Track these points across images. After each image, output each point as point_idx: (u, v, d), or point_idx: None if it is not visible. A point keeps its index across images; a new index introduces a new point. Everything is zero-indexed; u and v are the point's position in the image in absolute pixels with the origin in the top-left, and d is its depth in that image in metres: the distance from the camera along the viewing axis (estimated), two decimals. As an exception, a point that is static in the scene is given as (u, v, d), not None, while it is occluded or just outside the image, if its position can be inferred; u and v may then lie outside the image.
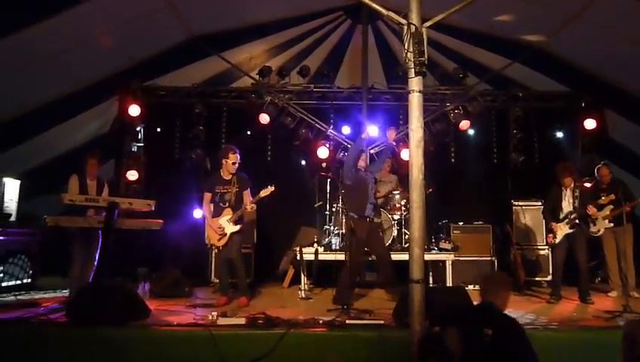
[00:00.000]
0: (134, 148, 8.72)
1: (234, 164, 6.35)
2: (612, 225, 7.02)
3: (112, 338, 4.60)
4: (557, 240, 6.77)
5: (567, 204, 6.80)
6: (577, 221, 6.67)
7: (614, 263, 7.04)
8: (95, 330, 4.64)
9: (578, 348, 4.66)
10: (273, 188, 6.32)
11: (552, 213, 6.92)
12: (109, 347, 4.55)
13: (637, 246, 7.02)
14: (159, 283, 6.87)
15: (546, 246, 7.91)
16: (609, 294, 7.09)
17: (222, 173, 6.46)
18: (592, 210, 6.66)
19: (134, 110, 8.44)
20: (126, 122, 8.63)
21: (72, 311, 4.95)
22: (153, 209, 6.23)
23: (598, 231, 7.13)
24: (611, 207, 6.96)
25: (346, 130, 8.96)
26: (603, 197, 6.88)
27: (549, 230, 6.93)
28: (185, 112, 8.85)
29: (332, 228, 7.68)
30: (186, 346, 4.60)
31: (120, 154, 8.71)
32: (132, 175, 8.42)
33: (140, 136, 8.77)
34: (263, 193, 6.30)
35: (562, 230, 6.74)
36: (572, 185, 6.82)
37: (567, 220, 6.73)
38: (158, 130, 9.02)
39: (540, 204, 8.12)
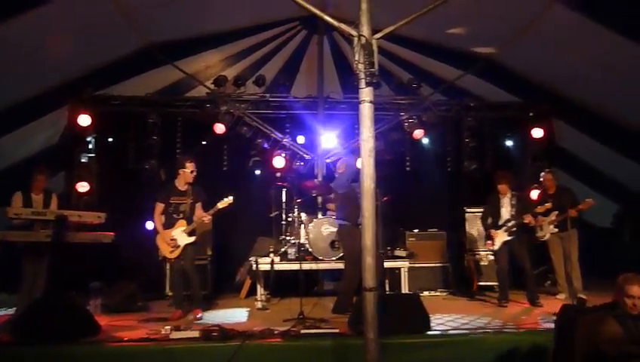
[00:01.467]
0: (85, 159, 8.46)
1: (192, 172, 6.27)
2: (557, 230, 7.27)
3: (60, 356, 4.46)
4: (496, 247, 6.99)
5: (505, 211, 7.06)
6: (515, 228, 6.89)
7: (561, 267, 7.30)
8: (42, 348, 4.47)
9: (528, 349, 4.78)
10: (231, 200, 6.25)
11: (491, 220, 7.16)
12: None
13: (582, 250, 7.27)
14: (112, 297, 6.71)
15: (494, 252, 8.12)
16: (557, 296, 7.34)
17: (177, 184, 6.36)
18: (528, 218, 6.85)
19: (85, 120, 8.20)
20: (76, 132, 8.38)
21: (18, 328, 4.76)
22: (104, 221, 6.09)
23: (545, 236, 7.41)
24: (557, 212, 7.22)
25: (302, 139, 8.98)
26: (539, 207, 7.11)
27: (488, 237, 7.13)
28: (139, 122, 8.68)
29: (288, 237, 7.66)
30: (137, 362, 4.50)
31: (70, 166, 8.45)
32: (83, 186, 8.16)
33: (91, 147, 8.53)
34: (221, 204, 6.21)
35: (501, 237, 6.97)
36: (509, 193, 7.06)
37: (505, 227, 6.96)
38: (110, 140, 8.82)
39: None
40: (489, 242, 7.09)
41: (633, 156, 8.37)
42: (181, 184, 6.34)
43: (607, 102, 7.72)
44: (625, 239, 9.96)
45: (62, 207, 6.53)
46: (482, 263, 8.29)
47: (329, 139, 8.43)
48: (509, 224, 6.93)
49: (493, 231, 7.03)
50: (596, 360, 2.41)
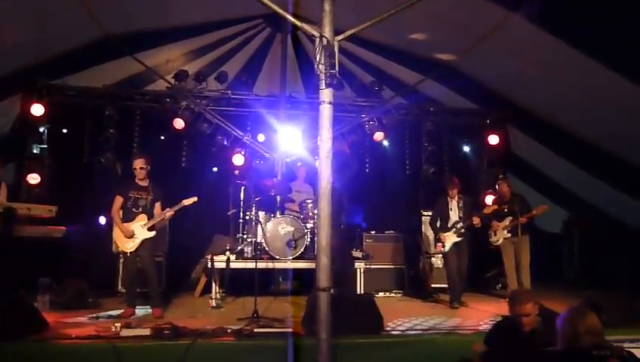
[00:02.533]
0: (37, 150, 8.18)
1: (140, 169, 6.16)
2: (510, 235, 7.48)
3: (6, 353, 4.29)
4: (446, 249, 7.18)
5: (453, 214, 7.28)
6: (464, 230, 7.13)
7: (512, 271, 7.49)
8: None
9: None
10: (196, 199, 6.24)
11: (440, 223, 7.35)
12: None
13: (532, 255, 7.50)
14: (61, 294, 6.49)
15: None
16: (507, 299, 7.51)
17: (136, 179, 6.24)
18: (476, 219, 7.08)
19: (38, 109, 7.93)
20: (29, 122, 8.10)
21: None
22: (55, 215, 5.91)
23: (498, 240, 7.61)
24: (510, 218, 7.43)
25: (262, 138, 8.95)
26: (486, 208, 7.34)
27: (438, 239, 7.31)
28: (95, 114, 8.45)
29: (245, 236, 7.62)
30: (86, 360, 4.38)
31: (21, 157, 8.15)
32: (33, 178, 7.86)
33: (43, 138, 8.25)
34: (186, 202, 6.20)
35: (450, 239, 7.18)
36: (457, 196, 7.30)
37: (454, 229, 7.17)
38: (64, 131, 8.56)
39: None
40: (439, 244, 7.26)
41: (584, 165, 8.69)
42: (139, 180, 6.21)
43: (560, 112, 7.98)
44: (573, 245, 10.33)
45: (11, 199, 6.29)
46: (437, 265, 8.43)
47: (290, 139, 8.40)
48: (458, 226, 7.16)
49: (442, 234, 7.20)
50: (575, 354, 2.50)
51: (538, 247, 7.70)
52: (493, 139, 9.16)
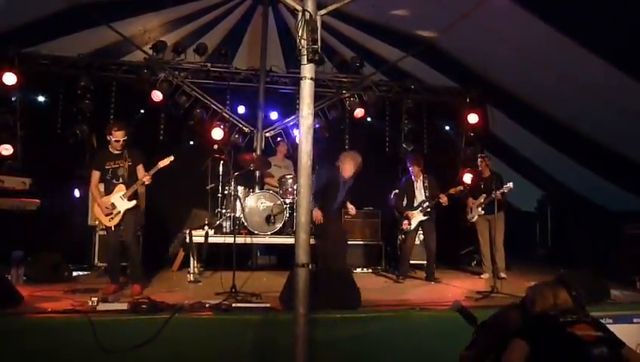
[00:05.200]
0: (8, 121, 7.95)
1: (117, 141, 5.88)
2: (484, 213, 7.59)
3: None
4: (412, 227, 7.33)
5: (419, 193, 7.38)
6: (430, 209, 7.23)
7: (486, 248, 7.64)
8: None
9: (450, 325, 4.98)
10: (172, 158, 5.93)
11: (406, 202, 7.45)
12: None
13: (509, 233, 7.64)
14: (35, 267, 6.41)
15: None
16: (481, 276, 7.69)
17: (110, 148, 5.99)
18: (443, 198, 7.19)
19: (10, 78, 7.70)
20: (0, 91, 7.86)
21: None
22: (29, 187, 5.78)
23: (473, 218, 7.74)
24: (485, 195, 7.54)
25: (240, 110, 8.86)
26: (452, 189, 7.38)
27: (404, 218, 7.39)
28: (69, 84, 8.24)
29: (224, 211, 7.59)
30: (61, 334, 4.33)
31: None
32: (6, 149, 7.67)
33: (16, 108, 8.02)
34: (162, 163, 5.89)
35: (416, 217, 7.32)
36: (421, 175, 7.37)
37: (420, 208, 7.28)
38: (40, 100, 8.32)
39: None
40: (405, 222, 7.36)
41: (559, 146, 8.82)
42: (114, 148, 5.97)
43: (537, 93, 8.06)
44: (547, 223, 10.56)
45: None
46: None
47: (270, 113, 8.34)
48: (425, 205, 7.25)
49: (409, 213, 7.31)
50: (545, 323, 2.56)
51: (512, 225, 7.85)
52: (473, 118, 9.23)
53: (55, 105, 8.37)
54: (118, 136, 5.89)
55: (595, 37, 6.26)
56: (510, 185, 7.27)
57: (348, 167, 6.86)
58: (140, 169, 5.98)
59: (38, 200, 5.81)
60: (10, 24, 7.17)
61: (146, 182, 5.96)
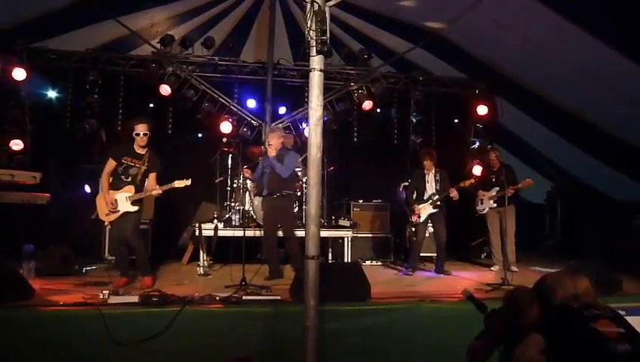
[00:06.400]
0: (19, 116, 7.98)
1: (138, 135, 5.79)
2: (496, 205, 7.55)
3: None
4: (422, 220, 7.28)
5: (430, 186, 7.32)
6: (440, 202, 7.19)
7: (497, 240, 7.60)
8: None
9: (460, 317, 4.97)
10: (189, 183, 5.91)
11: (415, 195, 7.40)
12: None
13: (518, 226, 7.59)
14: (46, 261, 6.43)
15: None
16: (491, 268, 7.66)
17: (135, 146, 5.91)
18: (454, 192, 7.10)
19: (19, 73, 7.72)
20: (9, 86, 7.89)
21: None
22: (39, 182, 5.81)
23: (484, 210, 7.70)
24: (497, 188, 7.49)
25: (251, 104, 8.85)
26: (463, 182, 7.24)
27: (413, 211, 7.34)
28: (77, 79, 8.27)
29: (233, 204, 7.59)
30: (73, 327, 4.36)
31: (2, 122, 7.97)
32: (16, 144, 7.69)
33: (25, 103, 8.05)
34: (178, 183, 5.86)
35: (426, 210, 7.27)
36: (433, 169, 7.34)
37: (430, 201, 7.24)
38: (48, 96, 8.35)
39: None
40: (414, 215, 7.31)
41: (568, 137, 8.75)
42: (138, 147, 5.89)
43: (547, 84, 7.99)
44: (556, 216, 10.49)
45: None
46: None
47: (277, 106, 8.33)
48: (435, 198, 7.21)
49: (417, 206, 7.28)
50: (565, 317, 2.50)
51: (521, 217, 7.80)
52: (482, 110, 9.15)
53: (64, 100, 8.41)
54: (140, 129, 5.82)
55: (605, 25, 6.19)
56: (529, 180, 7.24)
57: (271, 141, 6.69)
58: (152, 178, 5.92)
59: (48, 195, 5.82)
60: (18, 19, 7.17)
61: (154, 195, 5.95)
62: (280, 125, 8.41)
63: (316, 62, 4.30)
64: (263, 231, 6.91)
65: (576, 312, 2.46)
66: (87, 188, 7.75)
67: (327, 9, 4.27)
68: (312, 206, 4.23)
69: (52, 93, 8.46)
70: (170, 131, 8.88)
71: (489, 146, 8.10)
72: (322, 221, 7.74)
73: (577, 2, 6.05)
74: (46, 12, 7.27)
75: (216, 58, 8.75)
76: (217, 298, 4.89)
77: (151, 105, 8.69)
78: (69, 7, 7.29)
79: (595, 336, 2.32)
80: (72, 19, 7.64)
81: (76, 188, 7.78)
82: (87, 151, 8.15)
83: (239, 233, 6.45)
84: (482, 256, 8.82)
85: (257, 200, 7.40)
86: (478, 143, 9.30)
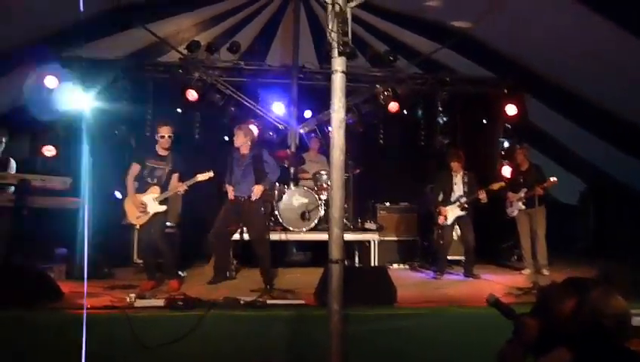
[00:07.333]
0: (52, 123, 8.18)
1: (162, 137, 6.00)
2: (525, 207, 7.38)
3: (20, 320, 4.37)
4: (449, 222, 7.14)
5: (457, 188, 7.19)
6: (467, 205, 7.06)
7: (527, 243, 7.42)
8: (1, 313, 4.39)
9: (489, 323, 4.86)
10: (212, 174, 6.07)
11: (442, 197, 7.27)
12: (15, 330, 4.32)
13: (549, 227, 7.40)
14: (77, 264, 6.57)
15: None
16: (522, 272, 7.48)
17: (157, 148, 6.12)
18: (482, 194, 6.96)
19: (51, 81, 7.92)
20: (44, 95, 8.08)
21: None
22: (70, 187, 5.94)
23: (513, 212, 7.53)
24: (525, 189, 7.32)
25: (276, 108, 8.87)
26: (493, 184, 7.11)
27: (439, 212, 7.21)
28: (109, 86, 8.41)
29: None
30: (100, 330, 4.42)
31: (36, 128, 8.18)
32: (49, 150, 7.90)
33: (57, 110, 8.24)
34: (201, 177, 6.02)
35: (453, 212, 7.13)
36: (461, 171, 7.20)
37: (458, 203, 7.10)
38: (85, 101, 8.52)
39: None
40: (441, 217, 7.17)
41: (602, 135, 8.50)
42: (160, 149, 6.10)
43: (579, 80, 7.76)
44: (590, 217, 10.19)
45: (26, 171, 6.35)
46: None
47: (302, 109, 8.33)
48: (462, 200, 7.08)
49: (443, 208, 7.14)
50: (597, 334, 2.38)
51: (553, 218, 7.61)
52: (511, 109, 8.91)
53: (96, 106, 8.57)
54: (163, 132, 6.00)
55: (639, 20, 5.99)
56: (554, 179, 7.04)
57: (237, 139, 6.56)
58: (175, 178, 6.08)
59: (78, 199, 5.96)
60: (48, 29, 7.34)
61: (180, 193, 6.07)
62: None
63: (338, 63, 4.29)
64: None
65: (608, 329, 2.34)
66: (118, 194, 7.88)
67: (348, 10, 4.25)
68: (336, 209, 4.21)
69: (84, 100, 8.63)
70: (197, 136, 8.96)
71: (517, 146, 7.90)
72: (348, 224, 7.71)
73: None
74: (78, 21, 7.42)
75: (242, 62, 8.79)
76: (242, 302, 4.90)
77: (178, 110, 8.78)
78: (96, 17, 7.43)
79: (627, 356, 2.21)
80: (100, 28, 7.78)
81: (107, 192, 7.92)
82: (117, 157, 8.29)
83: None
84: (513, 259, 8.61)
85: (283, 204, 7.41)
86: (507, 143, 9.09)
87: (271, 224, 7.18)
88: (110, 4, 7.31)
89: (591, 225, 10.11)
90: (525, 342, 2.77)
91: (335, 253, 4.15)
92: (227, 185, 6.53)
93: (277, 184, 7.34)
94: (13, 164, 6.35)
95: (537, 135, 9.39)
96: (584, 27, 6.54)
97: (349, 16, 4.25)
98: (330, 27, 4.20)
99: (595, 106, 7.99)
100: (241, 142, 6.50)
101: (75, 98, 8.42)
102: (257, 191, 6.34)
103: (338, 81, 4.28)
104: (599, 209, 10.05)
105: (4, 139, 6.51)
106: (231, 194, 6.45)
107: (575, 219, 10.37)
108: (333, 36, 4.21)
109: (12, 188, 5.90)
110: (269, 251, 6.40)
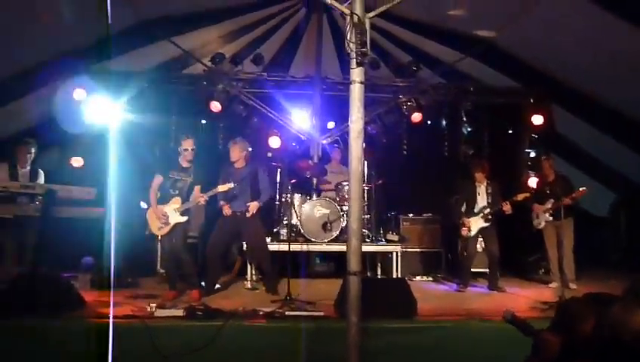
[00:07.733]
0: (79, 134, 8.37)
1: (186, 150, 6.15)
2: (552, 219, 7.21)
3: (42, 329, 4.45)
4: (472, 233, 7.02)
5: (481, 199, 7.06)
6: (491, 216, 6.94)
7: (554, 256, 7.25)
8: (23, 322, 4.46)
9: (513, 337, 4.74)
10: (232, 185, 6.19)
11: (465, 207, 7.18)
12: (38, 338, 4.38)
13: (577, 239, 7.21)
14: (101, 273, 6.66)
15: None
16: (549, 285, 7.30)
17: (180, 160, 6.26)
18: (506, 206, 6.84)
19: (80, 94, 8.12)
20: (73, 107, 8.28)
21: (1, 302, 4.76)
22: (94, 197, 6.06)
23: (540, 224, 7.36)
24: (552, 201, 7.15)
25: (298, 119, 8.88)
26: (518, 195, 6.96)
27: (462, 224, 7.10)
28: (133, 98, 8.58)
29: (281, 218, 7.62)
30: (120, 339, 4.45)
31: (65, 140, 8.37)
32: (77, 161, 8.11)
33: (84, 122, 8.42)
34: (221, 188, 6.16)
35: (477, 223, 7.01)
36: (485, 181, 7.09)
37: (481, 214, 6.97)
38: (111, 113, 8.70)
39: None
40: (464, 229, 7.06)
41: (633, 145, 8.27)
42: (183, 161, 6.23)
43: (606, 88, 7.60)
44: (621, 229, 9.90)
45: (54, 181, 6.50)
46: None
47: (325, 121, 8.34)
48: (486, 211, 6.96)
49: (466, 220, 7.05)
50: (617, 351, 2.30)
51: (582, 230, 7.41)
52: (537, 119, 8.73)
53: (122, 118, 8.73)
54: (186, 145, 6.14)
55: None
56: (583, 189, 6.88)
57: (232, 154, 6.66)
58: (196, 190, 6.19)
59: (103, 210, 6.07)
60: (78, 44, 7.53)
61: (201, 203, 6.16)
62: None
63: (356, 74, 4.27)
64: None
65: (629, 346, 2.25)
66: (143, 204, 7.99)
67: (367, 20, 4.23)
68: (354, 220, 4.17)
69: (110, 112, 8.81)
70: (220, 146, 9.04)
71: (543, 157, 7.74)
72: (370, 235, 7.65)
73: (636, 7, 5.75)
74: (104, 36, 7.60)
75: (265, 74, 8.85)
76: (261, 313, 4.90)
77: (203, 121, 8.88)
78: (124, 31, 7.59)
79: None
80: (127, 41, 7.94)
81: (131, 202, 8.03)
82: (143, 167, 8.41)
83: (286, 247, 6.46)
84: (540, 272, 8.40)
85: (305, 215, 7.40)
86: (533, 153, 8.91)
87: (292, 235, 7.16)
88: (137, 19, 7.48)
89: (622, 237, 9.81)
90: (545, 360, 2.69)
91: (353, 264, 4.10)
92: (221, 202, 6.57)
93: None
94: (41, 174, 6.51)
95: (565, 145, 9.20)
96: (612, 34, 6.39)
97: (367, 26, 4.23)
98: (348, 38, 4.19)
99: (624, 115, 7.79)
100: (237, 156, 6.63)
101: (102, 110, 8.65)
102: (253, 208, 6.51)
103: (356, 92, 4.27)
104: (630, 220, 9.74)
105: (33, 150, 6.69)
106: (227, 211, 6.50)
107: (605, 231, 10.08)
108: (351, 47, 4.19)
109: (39, 199, 6.04)
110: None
